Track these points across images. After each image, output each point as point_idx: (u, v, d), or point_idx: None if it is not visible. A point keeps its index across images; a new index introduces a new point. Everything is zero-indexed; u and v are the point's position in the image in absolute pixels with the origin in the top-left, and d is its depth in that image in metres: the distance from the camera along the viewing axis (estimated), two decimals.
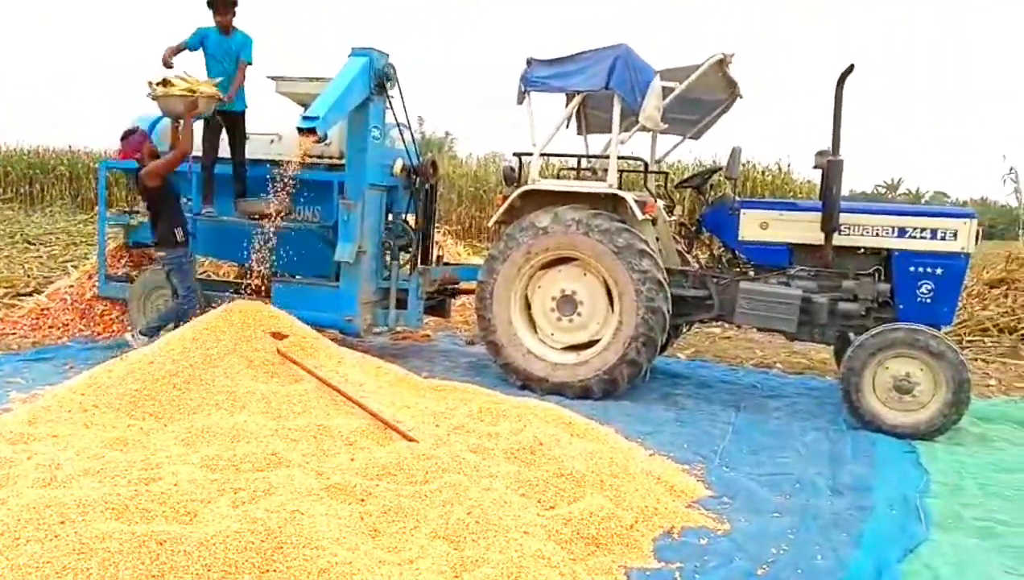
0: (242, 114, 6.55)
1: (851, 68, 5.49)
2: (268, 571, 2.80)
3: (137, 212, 7.68)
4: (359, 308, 6.45)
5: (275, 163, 6.38)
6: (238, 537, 2.88)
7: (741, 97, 6.65)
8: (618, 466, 3.95)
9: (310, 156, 6.49)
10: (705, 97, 6.57)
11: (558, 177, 8.08)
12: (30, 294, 8.67)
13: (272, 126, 6.85)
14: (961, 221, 5.62)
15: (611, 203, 6.08)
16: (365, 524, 3.26)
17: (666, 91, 5.88)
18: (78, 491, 3.20)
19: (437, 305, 7.48)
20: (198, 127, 6.35)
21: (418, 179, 6.77)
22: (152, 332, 5.95)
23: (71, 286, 7.99)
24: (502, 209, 6.31)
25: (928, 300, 5.65)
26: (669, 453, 4.69)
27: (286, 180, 6.07)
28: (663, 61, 6.13)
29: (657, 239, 6.34)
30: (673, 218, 6.92)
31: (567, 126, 6.71)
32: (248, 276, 6.61)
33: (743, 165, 17.21)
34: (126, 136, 6.82)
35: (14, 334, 7.25)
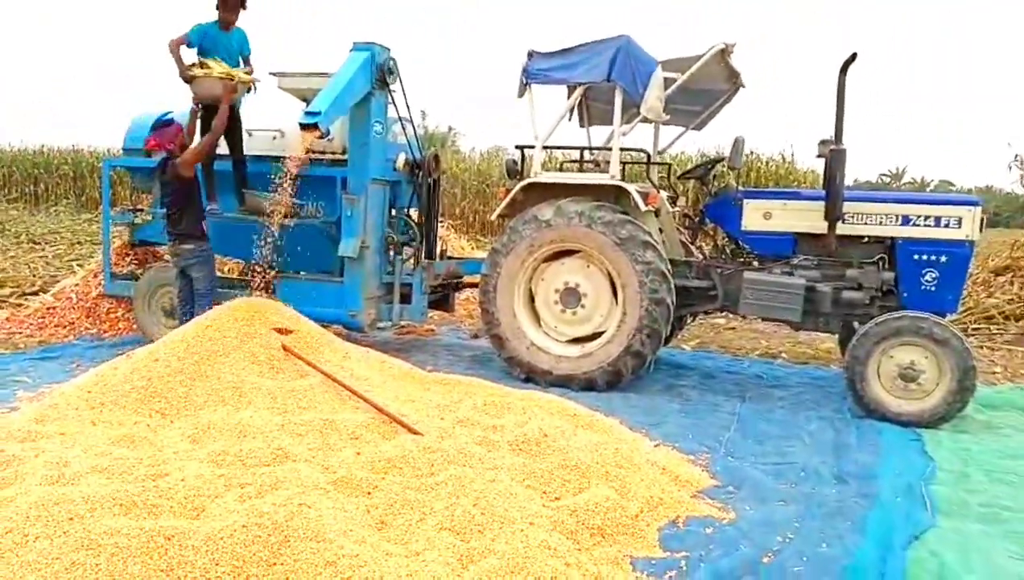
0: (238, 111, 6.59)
1: (854, 56, 5.46)
2: (275, 564, 2.82)
3: (141, 210, 7.72)
4: (363, 303, 6.47)
5: (277, 159, 6.39)
6: (245, 531, 2.90)
7: (743, 87, 6.63)
8: (623, 457, 3.96)
9: (313, 152, 6.51)
10: (707, 87, 6.55)
11: (561, 169, 8.07)
12: (36, 293, 8.71)
13: (274, 122, 6.87)
14: (966, 209, 5.60)
15: (614, 195, 6.08)
16: (371, 517, 3.27)
17: (668, 82, 5.87)
18: (86, 488, 3.23)
19: (441, 299, 7.50)
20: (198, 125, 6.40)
21: (421, 173, 6.77)
22: None
23: (76, 285, 8.03)
24: (505, 202, 6.31)
25: (932, 288, 5.63)
26: (674, 443, 4.70)
27: (290, 176, 6.07)
28: (664, 56, 6.10)
29: (660, 230, 6.33)
30: (676, 209, 6.91)
31: (569, 118, 6.71)
32: (252, 273, 6.63)
33: (747, 156, 17.16)
34: (159, 126, 6.57)
35: (20, 333, 7.29)
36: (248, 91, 6.46)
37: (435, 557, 2.96)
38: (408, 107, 6.62)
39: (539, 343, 6.19)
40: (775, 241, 6.00)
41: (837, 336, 6.67)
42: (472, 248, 12.47)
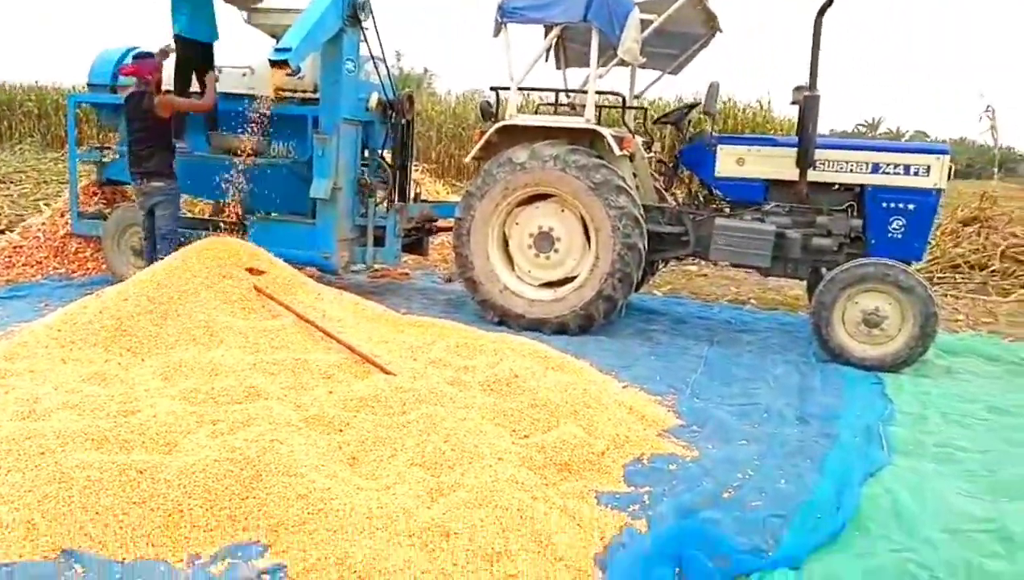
0: (212, 46, 6.43)
1: (830, 1, 5.43)
2: (247, 498, 2.87)
3: (109, 148, 7.56)
4: (336, 245, 6.44)
5: (248, 97, 6.27)
6: (217, 466, 2.94)
7: (720, 31, 6.59)
8: (591, 397, 4.04)
9: (283, 90, 6.39)
10: (684, 31, 6.49)
11: (537, 112, 8.00)
12: (2, 232, 8.55)
13: (244, 59, 6.72)
14: (934, 157, 5.66)
15: (589, 139, 6.06)
16: (343, 453, 3.33)
17: (645, 24, 5.80)
18: (57, 423, 3.23)
19: (415, 243, 7.48)
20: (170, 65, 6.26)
21: (394, 114, 6.69)
22: None
23: (43, 224, 7.89)
24: (479, 145, 6.27)
25: (900, 236, 5.72)
26: (642, 385, 4.79)
27: (260, 114, 5.97)
28: None
29: (635, 175, 6.33)
30: (651, 155, 6.91)
31: (546, 60, 6.62)
32: (223, 213, 6.55)
33: (723, 103, 17.09)
34: (139, 57, 6.23)
35: None
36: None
37: (405, 491, 3.02)
38: (381, 46, 6.51)
39: (512, 287, 6.22)
40: (747, 187, 6.04)
41: (805, 282, 6.78)
42: (447, 192, 12.39)
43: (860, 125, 43.39)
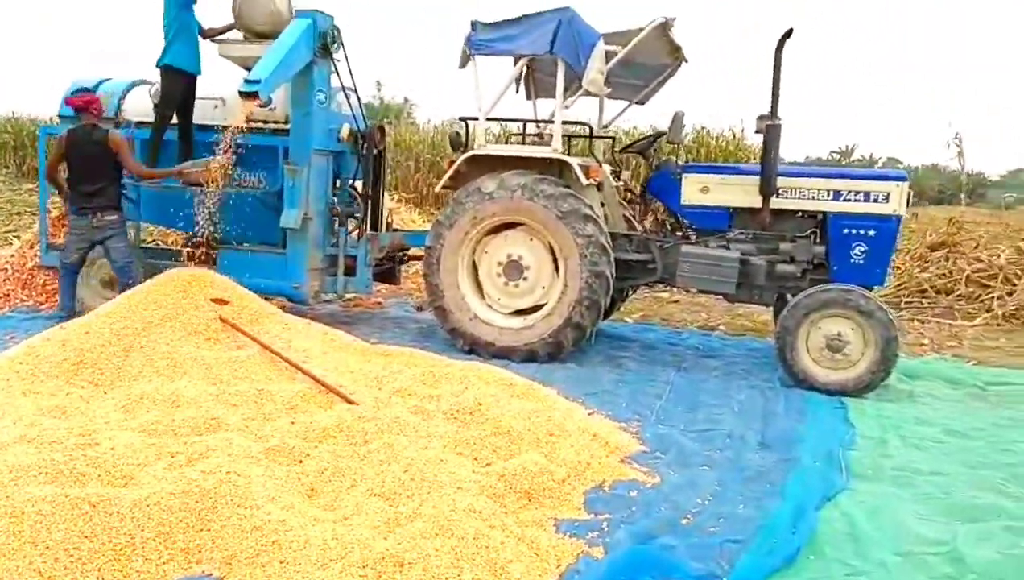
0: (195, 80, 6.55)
1: (789, 32, 5.58)
2: (202, 530, 2.86)
3: None
4: (306, 275, 6.45)
5: (219, 128, 6.31)
6: (172, 498, 2.93)
7: (686, 62, 6.73)
8: (555, 424, 4.07)
9: (255, 120, 6.43)
10: (650, 62, 6.62)
11: (508, 142, 8.10)
12: None
13: (216, 90, 6.76)
14: (893, 184, 5.79)
15: (557, 168, 6.14)
16: (302, 484, 3.33)
17: (609, 55, 5.92)
18: (11, 457, 3.21)
19: (387, 272, 7.50)
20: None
21: (365, 145, 6.74)
22: None
23: (12, 256, 7.84)
24: (448, 174, 6.33)
25: (861, 261, 5.83)
26: (608, 412, 4.82)
27: (228, 145, 6.00)
28: (607, 29, 6.12)
29: (603, 204, 6.42)
30: (619, 184, 7.00)
31: (516, 91, 6.73)
32: (193, 244, 6.55)
33: (697, 131, 17.34)
34: (84, 90, 6.29)
35: None
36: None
37: (362, 521, 3.03)
38: (352, 76, 6.58)
39: (482, 315, 6.25)
40: (712, 215, 6.14)
41: (772, 308, 6.86)
42: (424, 221, 12.44)
43: (834, 152, 43.99)
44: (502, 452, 3.75)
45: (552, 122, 6.34)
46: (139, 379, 4.31)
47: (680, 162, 6.58)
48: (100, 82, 7.09)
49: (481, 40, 6.09)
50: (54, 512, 2.80)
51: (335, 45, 6.30)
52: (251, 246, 6.77)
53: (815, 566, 3.08)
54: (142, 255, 6.62)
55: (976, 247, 10.59)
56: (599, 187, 6.36)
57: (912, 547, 3.24)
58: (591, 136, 6.55)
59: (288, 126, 6.48)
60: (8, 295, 7.35)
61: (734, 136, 18.67)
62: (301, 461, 3.51)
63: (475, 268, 6.35)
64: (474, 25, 6.15)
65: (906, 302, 9.48)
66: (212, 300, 4.93)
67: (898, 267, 10.53)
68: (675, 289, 7.94)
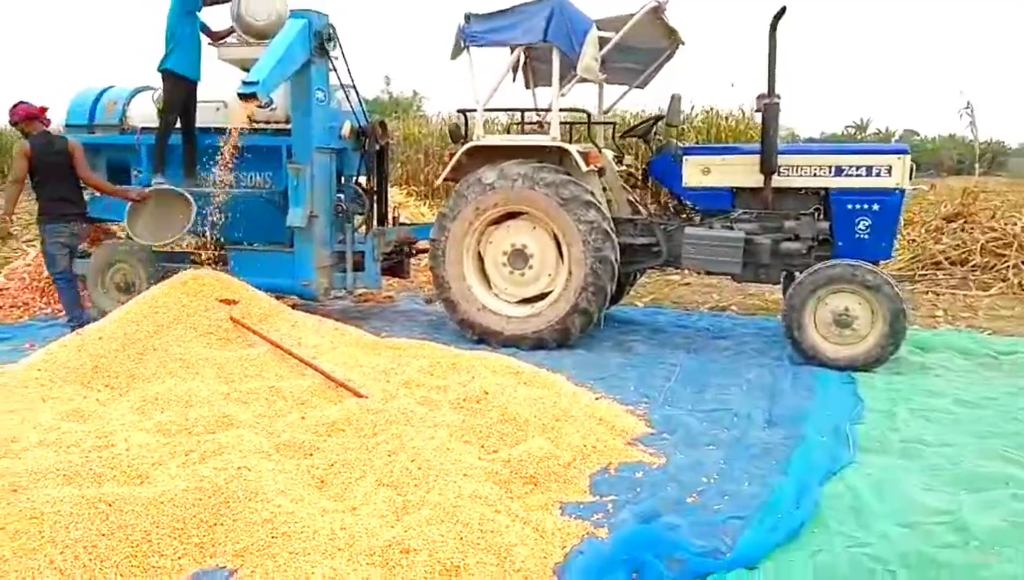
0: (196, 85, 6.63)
1: (783, 10, 5.55)
2: (215, 525, 2.94)
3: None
4: (315, 272, 6.53)
5: (221, 131, 6.39)
6: (185, 495, 3.02)
7: (683, 44, 6.70)
8: (561, 410, 4.11)
9: (256, 121, 6.51)
10: (646, 46, 6.61)
11: (509, 132, 8.12)
12: None
13: (217, 94, 6.83)
14: (895, 157, 5.75)
15: (557, 156, 6.16)
16: (311, 476, 3.40)
17: (603, 41, 5.92)
18: (31, 461, 3.32)
19: (395, 266, 7.56)
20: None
21: (367, 141, 6.80)
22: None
23: (29, 265, 7.99)
24: (449, 166, 6.38)
25: (866, 236, 5.81)
26: (616, 395, 4.85)
27: (232, 146, 6.08)
28: (600, 15, 6.12)
29: (605, 189, 6.44)
30: (622, 168, 7.01)
31: (513, 80, 6.75)
32: (203, 246, 6.65)
33: (706, 112, 17.27)
34: (23, 103, 6.15)
35: None
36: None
37: (371, 511, 3.10)
38: (350, 73, 6.63)
39: (489, 305, 6.30)
40: (714, 196, 6.14)
41: (781, 286, 6.85)
42: (434, 214, 12.47)
43: (849, 126, 43.53)
44: (508, 439, 3.81)
45: (549, 110, 6.35)
46: (153, 381, 4.41)
47: (678, 144, 6.57)
48: (104, 90, 7.21)
49: (475, 31, 6.11)
50: (72, 512, 2.90)
51: (332, 44, 6.35)
52: (261, 246, 6.86)
53: (818, 539, 3.10)
54: (156, 259, 6.72)
55: (993, 217, 10.50)
56: (601, 173, 6.38)
57: (916, 517, 3.25)
58: (589, 122, 6.56)
59: (290, 126, 6.54)
60: (27, 304, 7.51)
61: (743, 115, 18.57)
62: (311, 454, 3.59)
63: (481, 259, 6.40)
64: (468, 17, 6.17)
65: (920, 275, 9.42)
66: (221, 301, 5.02)
67: (913, 240, 10.47)
68: (685, 271, 7.95)
